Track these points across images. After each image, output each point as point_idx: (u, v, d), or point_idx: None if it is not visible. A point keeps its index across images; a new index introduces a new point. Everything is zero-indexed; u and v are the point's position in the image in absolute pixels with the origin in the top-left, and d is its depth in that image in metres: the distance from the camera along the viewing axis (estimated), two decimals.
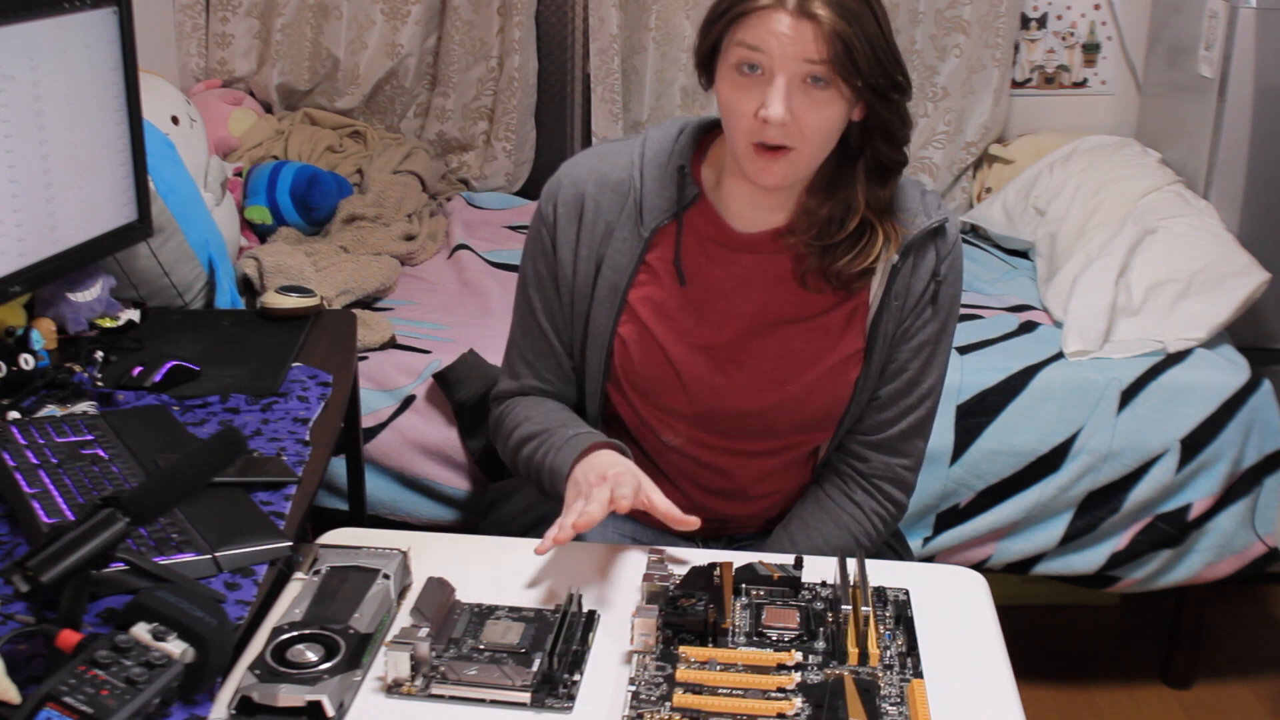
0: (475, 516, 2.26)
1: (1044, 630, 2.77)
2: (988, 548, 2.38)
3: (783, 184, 1.44)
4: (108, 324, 1.94)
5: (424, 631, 1.19)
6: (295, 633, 1.19)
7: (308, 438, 1.63)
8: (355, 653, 1.18)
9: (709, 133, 1.55)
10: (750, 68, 1.38)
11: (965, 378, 2.35)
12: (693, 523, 1.37)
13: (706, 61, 1.45)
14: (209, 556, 1.30)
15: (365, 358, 2.36)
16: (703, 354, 1.55)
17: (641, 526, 1.67)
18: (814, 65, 1.36)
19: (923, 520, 2.35)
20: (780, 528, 1.64)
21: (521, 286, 1.62)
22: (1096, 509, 2.35)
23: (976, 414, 2.34)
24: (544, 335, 1.60)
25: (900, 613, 1.30)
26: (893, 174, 1.49)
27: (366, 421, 2.28)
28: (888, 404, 1.58)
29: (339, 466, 2.20)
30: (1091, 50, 3.39)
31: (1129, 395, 2.35)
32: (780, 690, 1.17)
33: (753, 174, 1.43)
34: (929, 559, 2.35)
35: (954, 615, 1.32)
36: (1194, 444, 2.33)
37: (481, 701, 1.16)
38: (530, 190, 3.44)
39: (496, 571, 1.37)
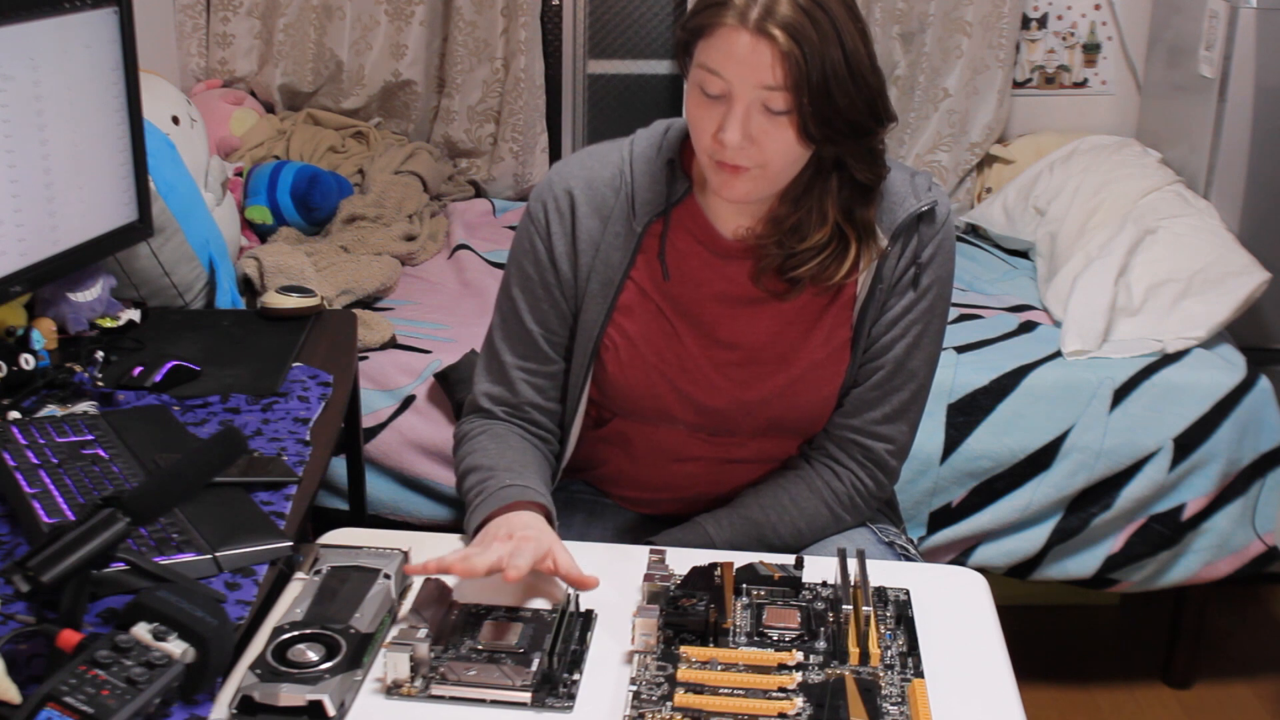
0: None
1: (1044, 630, 2.77)
2: (985, 546, 2.38)
3: (746, 199, 1.44)
4: (108, 324, 1.94)
5: (423, 632, 1.19)
6: (296, 632, 1.19)
7: (308, 438, 1.63)
8: (356, 652, 1.18)
9: None
10: (711, 92, 1.38)
11: (958, 376, 2.35)
12: (591, 582, 1.34)
13: (683, 63, 1.45)
14: (209, 556, 1.30)
15: (365, 358, 2.36)
16: (688, 349, 1.55)
17: (643, 519, 1.67)
18: (771, 92, 1.34)
19: (916, 519, 2.36)
20: (751, 492, 1.60)
21: (505, 288, 1.59)
22: (1089, 505, 2.36)
23: (967, 412, 2.34)
24: (529, 335, 1.57)
25: (901, 613, 1.30)
26: (871, 192, 1.48)
27: (367, 421, 2.28)
28: (868, 381, 1.55)
29: (339, 466, 2.20)
30: (1092, 50, 3.40)
31: (1122, 394, 2.35)
32: (781, 690, 1.17)
33: (715, 188, 1.43)
34: (924, 557, 2.35)
35: (954, 615, 1.32)
36: (1187, 443, 2.34)
37: (482, 702, 1.16)
38: None
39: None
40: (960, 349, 2.43)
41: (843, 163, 1.45)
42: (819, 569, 1.37)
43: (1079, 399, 2.34)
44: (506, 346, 1.58)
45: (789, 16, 1.32)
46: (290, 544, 1.35)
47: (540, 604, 1.31)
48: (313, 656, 1.16)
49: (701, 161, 1.43)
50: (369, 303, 2.64)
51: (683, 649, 1.23)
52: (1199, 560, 2.40)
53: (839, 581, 1.31)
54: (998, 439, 2.34)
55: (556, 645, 1.21)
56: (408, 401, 2.33)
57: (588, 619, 1.29)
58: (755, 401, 1.55)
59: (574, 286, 1.55)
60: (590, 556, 1.40)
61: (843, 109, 1.36)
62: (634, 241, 1.52)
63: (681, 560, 1.34)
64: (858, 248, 1.49)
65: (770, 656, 1.22)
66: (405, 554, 1.33)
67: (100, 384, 1.73)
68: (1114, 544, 2.39)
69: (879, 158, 1.46)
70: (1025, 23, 3.36)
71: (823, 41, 1.33)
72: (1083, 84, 3.42)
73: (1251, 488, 2.38)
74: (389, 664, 1.17)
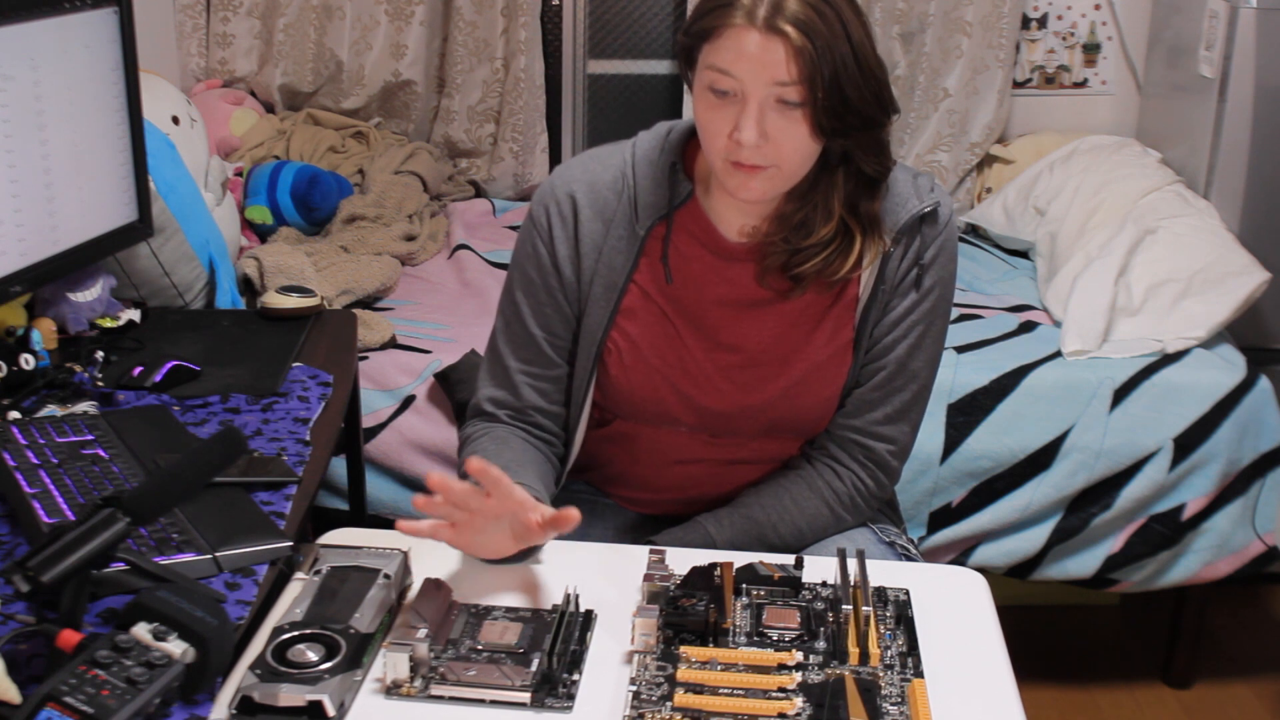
0: None
1: (1044, 630, 2.77)
2: (985, 546, 2.38)
3: (763, 199, 1.44)
4: (108, 324, 1.94)
5: (422, 632, 1.19)
6: (296, 632, 1.19)
7: (308, 438, 1.63)
8: (356, 652, 1.18)
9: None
10: (723, 90, 1.38)
11: (958, 376, 2.35)
12: (573, 516, 1.30)
13: (685, 71, 1.45)
14: (209, 556, 1.30)
15: (365, 358, 2.36)
16: (691, 352, 1.55)
17: (643, 518, 1.67)
18: (784, 87, 1.35)
19: (916, 519, 2.36)
20: (752, 491, 1.60)
21: (508, 292, 1.59)
22: (1089, 505, 2.36)
23: (967, 412, 2.34)
24: (532, 339, 1.57)
25: (901, 613, 1.30)
26: (878, 184, 1.48)
27: (367, 421, 2.28)
28: (870, 382, 1.55)
29: (339, 466, 2.20)
30: (1092, 50, 3.39)
31: (1122, 394, 2.35)
32: (781, 690, 1.17)
33: (732, 190, 1.43)
34: (925, 557, 2.35)
35: (954, 615, 1.32)
36: (1187, 443, 2.34)
37: (481, 702, 1.16)
38: None
39: (493, 572, 1.37)
40: (960, 349, 2.43)
41: (848, 157, 1.45)
42: (819, 569, 1.37)
43: (1079, 399, 2.34)
44: (509, 350, 1.58)
45: (798, 13, 1.33)
46: (290, 544, 1.35)
47: (540, 604, 1.31)
48: (312, 657, 1.16)
49: (715, 165, 1.43)
50: (369, 303, 2.64)
51: (683, 649, 1.23)
52: (1199, 560, 2.40)
53: (839, 581, 1.31)
54: (998, 439, 2.34)
55: (556, 645, 1.21)
56: (408, 401, 2.33)
57: (588, 619, 1.29)
58: (758, 404, 1.55)
59: (577, 290, 1.55)
60: (590, 556, 1.40)
61: (853, 101, 1.37)
62: (637, 244, 1.52)
63: (681, 560, 1.34)
64: (862, 242, 1.49)
65: (770, 656, 1.22)
66: (405, 554, 1.33)
67: (100, 384, 1.73)
68: (1114, 544, 2.39)
69: (886, 150, 1.47)
70: (1025, 23, 3.36)
71: (832, 36, 1.34)
72: (1083, 84, 3.42)
73: (1251, 488, 2.38)
74: (389, 664, 1.17)
